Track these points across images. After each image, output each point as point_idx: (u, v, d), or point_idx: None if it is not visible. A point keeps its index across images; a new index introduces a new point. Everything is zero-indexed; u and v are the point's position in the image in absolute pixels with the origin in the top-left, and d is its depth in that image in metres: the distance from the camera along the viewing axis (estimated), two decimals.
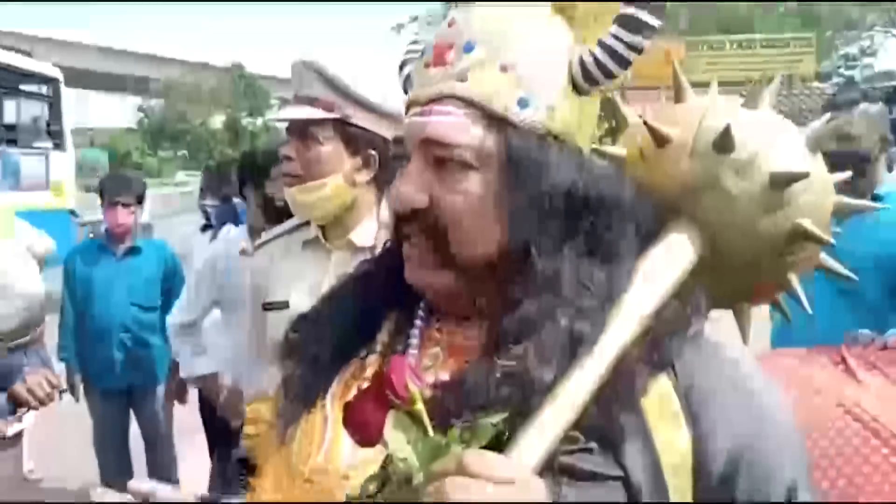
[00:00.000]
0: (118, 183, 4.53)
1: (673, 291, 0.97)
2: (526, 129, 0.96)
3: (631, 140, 1.09)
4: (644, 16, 0.97)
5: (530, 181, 0.96)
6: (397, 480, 0.83)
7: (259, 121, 41.16)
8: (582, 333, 0.90)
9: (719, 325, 1.06)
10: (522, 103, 0.97)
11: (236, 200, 4.85)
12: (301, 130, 2.10)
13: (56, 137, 12.02)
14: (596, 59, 0.98)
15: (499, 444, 0.83)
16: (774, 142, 1.03)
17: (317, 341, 1.09)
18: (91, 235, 7.19)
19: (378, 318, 1.10)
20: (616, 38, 0.98)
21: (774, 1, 26.71)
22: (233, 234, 3.80)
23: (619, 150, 1.09)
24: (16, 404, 2.75)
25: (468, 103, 0.97)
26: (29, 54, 12.19)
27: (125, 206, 4.36)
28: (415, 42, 1.19)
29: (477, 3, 1.03)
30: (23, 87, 11.91)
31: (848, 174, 1.15)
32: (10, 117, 11.60)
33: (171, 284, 4.46)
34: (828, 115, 1.14)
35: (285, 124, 2.18)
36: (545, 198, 0.96)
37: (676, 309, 0.96)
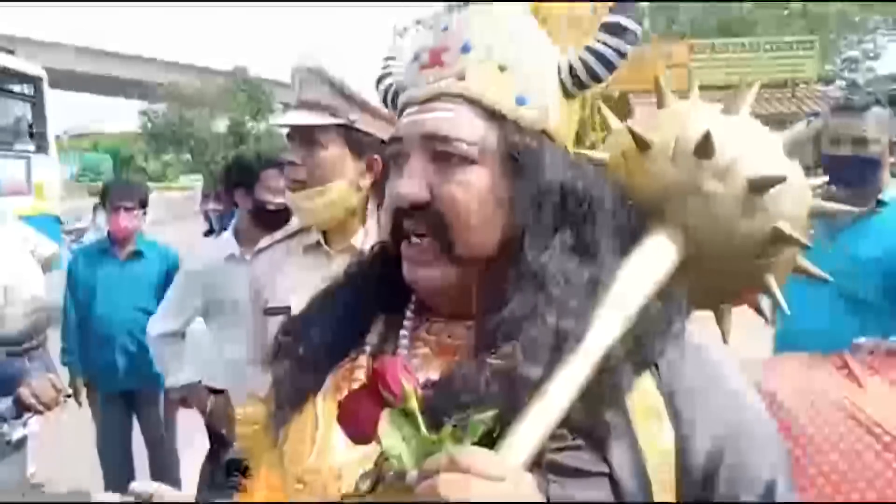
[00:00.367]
0: (121, 187, 4.55)
1: (656, 292, 1.00)
2: (523, 126, 1.01)
3: (614, 144, 1.12)
4: (627, 22, 1.04)
5: (528, 177, 1.00)
6: (391, 477, 0.85)
7: (263, 125, 41.15)
8: (568, 331, 0.93)
9: (718, 324, 1.08)
10: (520, 101, 1.01)
11: None
12: (306, 136, 2.09)
13: (39, 140, 11.39)
14: (584, 63, 1.04)
15: (490, 441, 0.85)
16: (753, 147, 1.06)
17: (307, 343, 1.10)
18: (72, 245, 7.15)
19: (367, 319, 1.12)
20: (603, 43, 1.04)
21: (778, 0, 26.69)
22: (218, 242, 3.77)
23: (602, 154, 1.12)
24: (21, 409, 2.76)
25: (467, 101, 1.01)
26: (11, 52, 11.47)
27: (128, 210, 4.37)
28: (391, 57, 1.23)
29: (472, 6, 1.07)
30: (3, 86, 11.13)
31: (824, 178, 1.18)
32: None
33: None
34: (805, 120, 1.16)
35: (286, 129, 2.18)
36: (541, 194, 0.99)
37: (659, 309, 0.99)
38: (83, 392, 4.49)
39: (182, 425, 4.69)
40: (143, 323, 4.39)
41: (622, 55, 1.04)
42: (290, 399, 1.07)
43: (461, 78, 1.01)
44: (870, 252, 3.07)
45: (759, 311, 1.17)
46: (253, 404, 1.17)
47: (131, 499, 1.15)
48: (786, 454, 1.02)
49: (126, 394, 4.48)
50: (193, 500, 1.22)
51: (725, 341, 1.14)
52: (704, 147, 1.03)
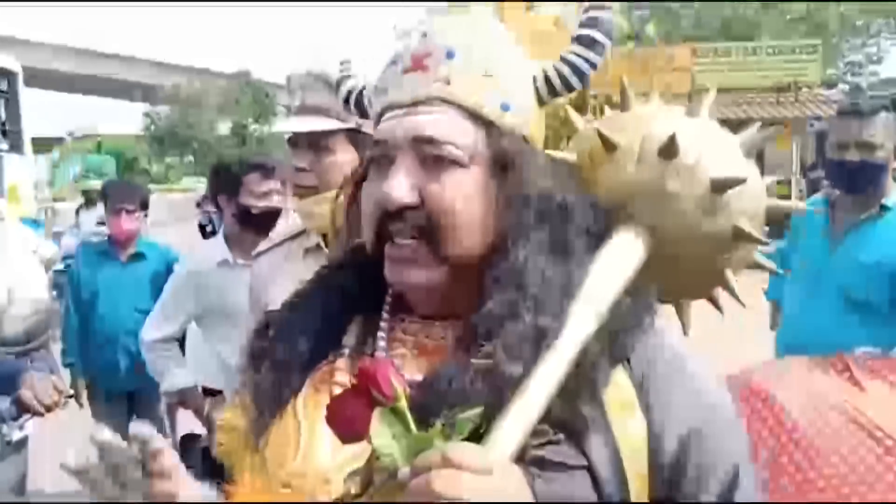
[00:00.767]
0: (122, 189, 4.56)
1: (625, 289, 1.03)
2: (507, 131, 1.04)
3: (582, 145, 1.16)
4: (599, 36, 1.10)
5: (515, 180, 1.03)
6: (382, 475, 0.86)
7: (266, 127, 41.19)
8: (546, 329, 0.95)
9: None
10: (504, 107, 1.05)
11: None
12: (313, 141, 2.09)
13: (13, 138, 10.66)
14: (559, 73, 1.09)
15: (476, 438, 0.87)
16: (714, 148, 1.11)
17: (284, 347, 1.10)
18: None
19: (343, 321, 1.13)
20: (576, 54, 1.10)
21: (780, 1, 26.69)
22: (210, 247, 3.75)
23: (570, 154, 1.15)
24: (22, 410, 2.76)
25: (453, 105, 1.03)
26: None
27: (129, 212, 4.38)
28: (346, 61, 1.27)
29: (448, 13, 1.11)
30: None
31: (776, 178, 1.22)
32: None
33: None
34: (758, 124, 1.20)
35: (288, 134, 2.18)
36: (525, 197, 1.02)
37: (629, 306, 1.02)
38: (84, 393, 4.50)
39: (182, 426, 4.68)
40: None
41: (593, 66, 1.11)
42: (269, 404, 1.07)
43: (447, 83, 1.04)
44: (873, 256, 3.07)
45: (715, 304, 1.21)
46: (232, 410, 1.15)
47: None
48: (745, 438, 1.07)
49: (127, 394, 4.49)
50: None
51: (686, 333, 1.19)
52: (669, 148, 1.07)
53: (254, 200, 3.46)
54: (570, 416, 0.94)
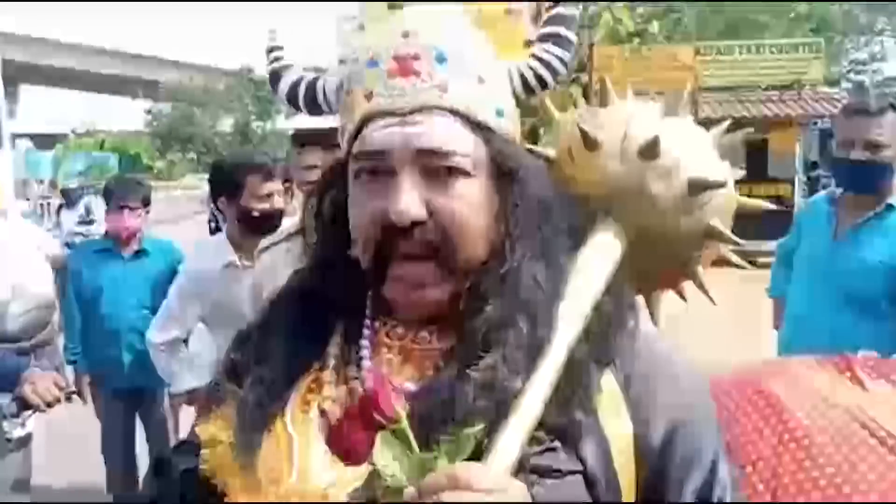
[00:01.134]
0: (124, 186, 4.55)
1: (606, 288, 1.03)
2: (504, 136, 1.03)
3: (560, 140, 1.17)
4: (566, 33, 1.12)
5: (516, 186, 1.02)
6: (387, 495, 0.86)
7: (268, 124, 41.24)
8: (541, 338, 0.96)
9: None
10: (499, 113, 1.04)
11: None
12: (325, 139, 2.08)
13: None
14: (534, 72, 1.09)
15: (478, 452, 0.87)
16: (692, 149, 1.13)
17: (266, 360, 1.07)
18: None
19: (323, 328, 1.09)
20: (547, 52, 1.10)
21: (784, 0, 26.63)
22: (215, 248, 3.72)
23: (549, 150, 1.16)
24: (23, 407, 2.76)
25: (453, 113, 1.00)
26: None
27: (132, 209, 4.39)
28: (277, 48, 1.20)
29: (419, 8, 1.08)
30: None
31: (742, 172, 1.23)
32: None
33: None
34: (727, 123, 1.22)
35: (290, 131, 2.18)
36: (525, 202, 1.01)
37: (612, 306, 1.03)
38: (87, 390, 4.50)
39: (185, 424, 4.69)
40: (149, 320, 4.41)
41: (564, 63, 1.11)
42: (255, 418, 1.03)
43: (444, 90, 1.00)
44: (877, 255, 3.07)
45: (680, 294, 1.25)
46: (215, 423, 1.09)
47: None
48: (718, 428, 1.09)
49: (130, 391, 4.49)
50: None
51: (656, 324, 1.22)
52: (650, 149, 1.08)
53: (255, 203, 3.38)
54: (565, 423, 0.94)
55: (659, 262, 1.16)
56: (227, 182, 3.52)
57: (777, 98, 18.17)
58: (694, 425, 1.02)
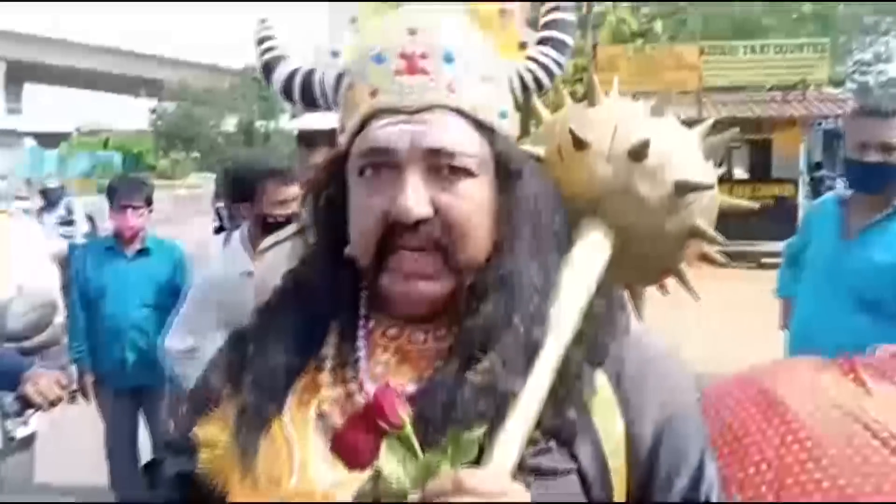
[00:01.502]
0: (127, 186, 4.57)
1: (596, 288, 1.05)
2: (506, 138, 1.05)
3: (549, 139, 1.17)
4: (564, 36, 1.16)
5: (518, 186, 1.04)
6: (390, 495, 0.87)
7: (272, 124, 41.27)
8: (537, 340, 0.97)
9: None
10: (502, 115, 1.06)
11: None
12: (333, 138, 2.08)
13: None
14: (532, 74, 1.12)
15: (478, 454, 0.89)
16: (679, 150, 1.15)
17: (263, 364, 1.06)
18: None
19: (318, 328, 1.09)
20: (545, 55, 1.14)
21: (788, 0, 26.61)
22: (231, 256, 3.70)
23: (539, 149, 1.16)
24: (25, 406, 2.76)
25: (459, 113, 1.01)
26: None
27: (135, 208, 4.40)
28: (269, 38, 1.20)
29: (429, 8, 1.09)
30: None
31: (722, 169, 1.26)
32: None
33: (180, 285, 4.48)
34: (710, 122, 1.24)
35: (294, 131, 2.17)
36: (526, 203, 1.03)
37: (603, 306, 1.05)
38: (91, 388, 4.51)
39: None
40: (153, 319, 4.43)
41: (560, 66, 1.15)
42: (254, 422, 1.02)
43: (451, 90, 1.01)
44: (887, 257, 3.07)
45: (662, 288, 1.28)
46: (211, 425, 1.08)
47: None
48: (703, 424, 1.10)
49: (133, 390, 4.50)
50: None
51: (640, 318, 1.22)
52: (639, 151, 1.10)
53: (275, 208, 3.34)
54: (560, 423, 0.96)
55: (644, 260, 1.18)
56: (246, 188, 3.50)
57: (781, 98, 18.16)
58: (681, 423, 1.03)
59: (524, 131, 1.17)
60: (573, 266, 1.06)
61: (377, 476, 0.88)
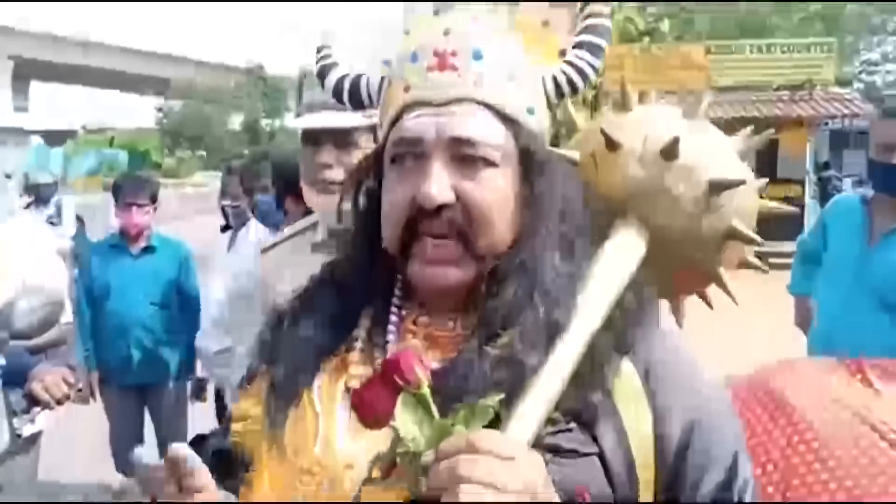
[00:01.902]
0: (132, 184, 4.57)
1: (627, 284, 1.06)
2: (532, 133, 1.08)
3: (584, 144, 1.20)
4: (599, 41, 1.18)
5: (541, 179, 1.07)
6: (405, 459, 0.89)
7: (278, 122, 41.29)
8: (558, 321, 1.00)
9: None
10: (530, 111, 1.10)
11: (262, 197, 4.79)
12: (341, 137, 2.09)
13: None
14: (567, 77, 1.15)
15: (494, 424, 0.90)
16: (712, 150, 1.16)
17: (296, 340, 1.13)
18: None
19: (352, 314, 1.15)
20: (580, 58, 1.16)
21: (795, 0, 26.55)
22: (247, 248, 3.69)
23: (574, 153, 1.18)
24: (32, 403, 2.76)
25: (485, 106, 1.06)
26: None
27: (140, 206, 4.41)
28: (326, 47, 1.28)
29: (466, 11, 1.14)
30: None
31: (765, 180, 1.24)
32: None
33: (185, 283, 4.50)
34: (750, 128, 1.24)
35: (299, 130, 2.17)
36: (548, 195, 1.06)
37: (632, 300, 1.06)
38: (97, 386, 4.52)
39: (193, 419, 4.71)
40: (158, 317, 4.45)
41: (595, 69, 1.17)
42: (284, 394, 1.09)
43: (479, 85, 1.06)
44: None
45: (705, 300, 1.26)
46: (245, 399, 1.18)
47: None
48: (739, 425, 1.12)
49: (138, 388, 4.51)
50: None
51: (680, 325, 1.25)
52: (671, 149, 1.11)
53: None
54: (582, 406, 0.97)
55: (681, 263, 1.17)
56: (291, 183, 3.52)
57: (788, 98, 18.10)
58: (711, 420, 1.04)
59: (553, 141, 1.19)
60: (605, 259, 1.07)
61: (395, 441, 0.90)
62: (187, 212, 21.52)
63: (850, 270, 3.22)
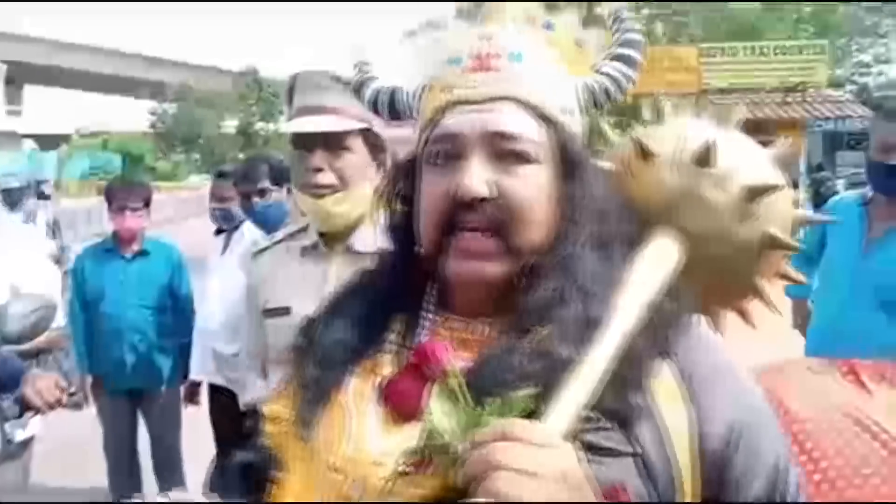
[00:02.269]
0: (125, 188, 4.56)
1: (663, 289, 1.06)
2: (570, 132, 1.10)
3: (619, 156, 1.20)
4: (636, 55, 1.19)
5: (577, 177, 1.08)
6: (437, 449, 0.90)
7: (272, 126, 41.27)
8: (593, 317, 1.00)
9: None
10: (565, 111, 1.11)
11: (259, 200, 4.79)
12: (332, 141, 2.09)
13: None
14: (602, 86, 1.16)
15: (529, 417, 0.90)
16: (747, 158, 1.16)
17: (329, 344, 1.14)
18: None
19: (384, 319, 1.15)
20: (617, 70, 1.17)
21: (789, 1, 26.63)
22: (240, 251, 3.67)
23: (608, 163, 1.19)
24: (24, 408, 2.75)
25: (523, 104, 1.07)
26: None
27: (133, 210, 4.40)
28: (365, 63, 1.29)
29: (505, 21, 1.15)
30: None
31: (804, 194, 1.24)
32: None
33: (177, 286, 4.50)
34: (785, 136, 1.24)
35: (290, 134, 2.17)
36: (583, 194, 1.07)
37: (670, 304, 1.06)
38: (90, 391, 4.50)
39: (187, 423, 4.69)
40: (151, 320, 4.43)
41: (632, 81, 1.18)
42: (315, 396, 1.11)
43: (517, 83, 1.08)
44: None
45: (745, 317, 1.24)
46: (278, 401, 1.19)
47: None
48: (782, 433, 1.11)
49: (132, 392, 4.50)
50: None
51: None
52: (705, 156, 1.11)
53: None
54: (619, 405, 0.96)
55: (718, 272, 1.16)
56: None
57: (781, 100, 18.17)
58: (755, 429, 1.03)
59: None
60: (641, 263, 1.07)
61: (427, 433, 0.90)
62: (182, 215, 21.51)
63: (848, 271, 3.23)
